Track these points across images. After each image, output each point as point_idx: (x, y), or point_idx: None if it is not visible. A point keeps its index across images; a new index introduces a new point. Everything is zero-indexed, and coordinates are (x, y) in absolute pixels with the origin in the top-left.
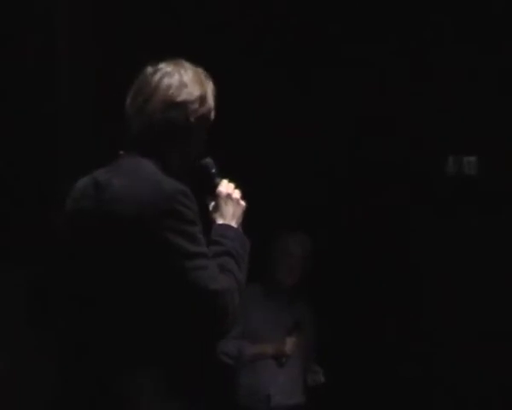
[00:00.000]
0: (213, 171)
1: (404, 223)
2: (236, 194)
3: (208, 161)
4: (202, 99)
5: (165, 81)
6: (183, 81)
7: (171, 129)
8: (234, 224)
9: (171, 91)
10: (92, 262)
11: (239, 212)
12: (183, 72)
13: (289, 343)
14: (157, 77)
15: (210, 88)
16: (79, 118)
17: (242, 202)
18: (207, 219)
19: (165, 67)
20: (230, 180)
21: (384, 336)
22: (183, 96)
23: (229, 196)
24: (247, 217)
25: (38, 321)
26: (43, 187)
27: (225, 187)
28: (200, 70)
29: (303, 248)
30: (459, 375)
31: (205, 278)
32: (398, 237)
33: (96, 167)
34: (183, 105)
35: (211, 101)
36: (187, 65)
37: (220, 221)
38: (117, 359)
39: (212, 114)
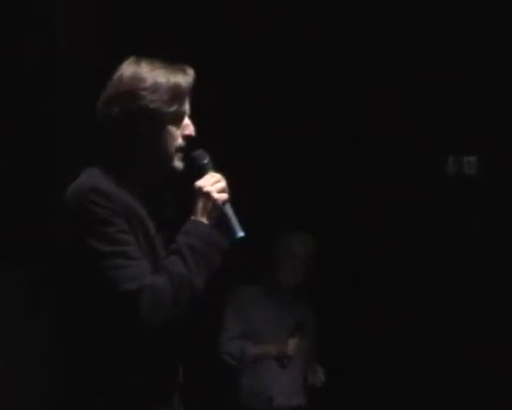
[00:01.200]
0: (204, 162)
1: (404, 223)
2: (210, 186)
3: (199, 152)
4: (147, 91)
5: (126, 71)
6: (122, 76)
7: (126, 120)
8: (203, 219)
9: (128, 81)
10: (56, 264)
11: (210, 206)
12: (125, 68)
13: (291, 345)
14: (123, 68)
15: (180, 83)
16: (79, 118)
17: (216, 196)
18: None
19: (134, 58)
20: (225, 176)
21: (384, 336)
22: (118, 90)
23: (199, 190)
24: (247, 217)
25: (37, 319)
26: (43, 187)
27: (203, 180)
28: (159, 64)
29: (306, 249)
30: (459, 375)
31: (117, 278)
32: (398, 237)
33: None
34: (119, 99)
35: (164, 95)
36: (141, 60)
37: (192, 217)
38: (62, 361)
39: (172, 109)
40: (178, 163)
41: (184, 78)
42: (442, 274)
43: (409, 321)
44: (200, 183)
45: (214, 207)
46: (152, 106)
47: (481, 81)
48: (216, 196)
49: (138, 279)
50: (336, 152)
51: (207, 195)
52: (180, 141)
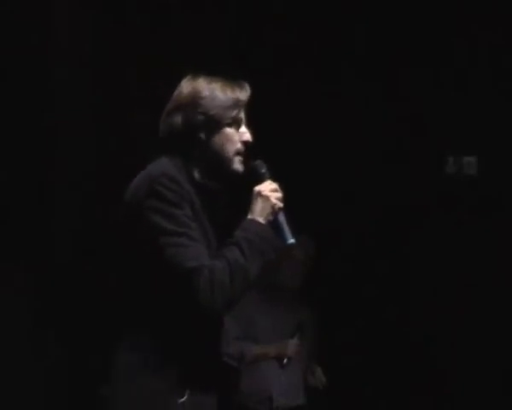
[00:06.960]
0: (262, 171)
1: (404, 223)
2: (269, 192)
3: (258, 162)
4: (206, 100)
5: (185, 86)
6: (201, 85)
7: (188, 128)
8: (260, 218)
9: (187, 94)
10: (119, 247)
11: (268, 208)
12: (202, 79)
13: (291, 345)
14: (182, 85)
15: (237, 94)
16: (79, 119)
17: (274, 201)
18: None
19: (192, 76)
20: (276, 181)
21: (384, 337)
22: (199, 96)
23: (259, 192)
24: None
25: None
26: (43, 188)
27: (263, 186)
28: (230, 79)
29: (306, 251)
30: (459, 374)
31: (180, 256)
32: (398, 237)
33: (95, 168)
34: (198, 104)
35: (223, 102)
36: (199, 76)
37: (249, 216)
38: (113, 333)
39: (230, 114)
40: (238, 166)
41: (241, 89)
42: (442, 274)
43: (409, 321)
44: (260, 187)
45: (271, 211)
46: (211, 112)
47: (481, 81)
48: (274, 200)
49: (198, 259)
50: (336, 152)
51: (266, 198)
52: (239, 145)
